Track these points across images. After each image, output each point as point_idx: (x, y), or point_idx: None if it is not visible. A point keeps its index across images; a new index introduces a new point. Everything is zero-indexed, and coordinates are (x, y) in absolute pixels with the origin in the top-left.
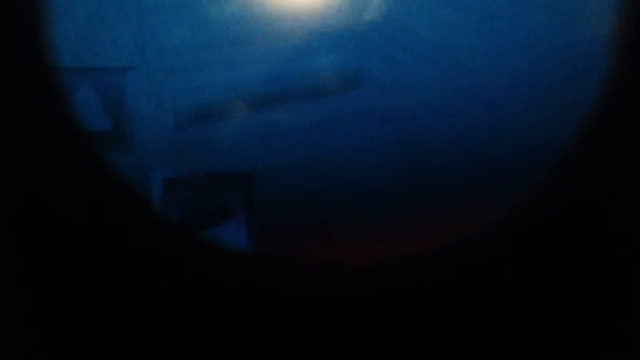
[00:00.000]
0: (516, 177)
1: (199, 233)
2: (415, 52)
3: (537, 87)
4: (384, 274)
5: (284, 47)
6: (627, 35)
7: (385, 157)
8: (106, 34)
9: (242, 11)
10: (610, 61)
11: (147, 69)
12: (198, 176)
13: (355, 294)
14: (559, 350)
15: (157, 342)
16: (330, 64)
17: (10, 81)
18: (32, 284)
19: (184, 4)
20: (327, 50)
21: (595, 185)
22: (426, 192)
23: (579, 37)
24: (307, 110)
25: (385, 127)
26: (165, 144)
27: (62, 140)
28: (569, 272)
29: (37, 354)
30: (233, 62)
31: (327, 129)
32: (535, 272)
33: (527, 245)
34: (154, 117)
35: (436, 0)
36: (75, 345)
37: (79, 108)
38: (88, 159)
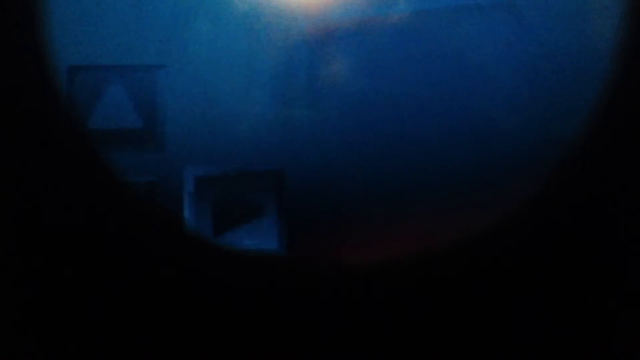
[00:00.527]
0: (517, 175)
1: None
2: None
3: (541, 84)
4: (389, 273)
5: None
6: (629, 33)
7: (389, 156)
8: (135, 32)
9: (264, 5)
10: (614, 58)
11: (178, 66)
12: (229, 174)
13: (363, 293)
14: (559, 350)
15: (165, 343)
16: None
17: (11, 80)
18: (32, 284)
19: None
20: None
21: (596, 184)
22: (429, 190)
23: (583, 34)
24: (331, 106)
25: (390, 125)
26: (197, 142)
27: (62, 140)
28: (569, 271)
29: (36, 354)
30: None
31: (342, 127)
32: (535, 272)
33: (527, 245)
34: (185, 114)
35: None
36: (78, 346)
37: (110, 106)
38: (88, 159)
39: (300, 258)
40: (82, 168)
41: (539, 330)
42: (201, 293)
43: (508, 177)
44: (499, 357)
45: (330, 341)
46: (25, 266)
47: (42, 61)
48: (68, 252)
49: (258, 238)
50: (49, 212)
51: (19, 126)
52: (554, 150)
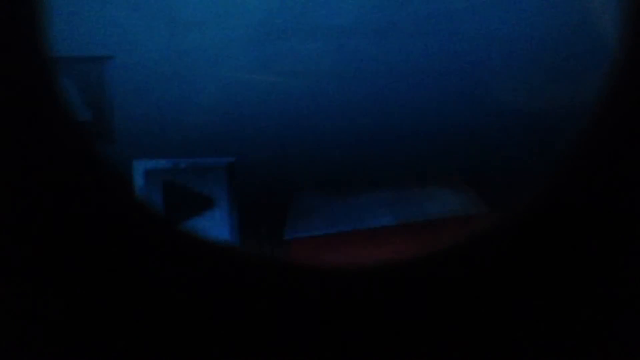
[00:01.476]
0: (516, 175)
1: (181, 223)
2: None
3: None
4: (381, 273)
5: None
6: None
7: (378, 144)
8: (83, 23)
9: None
10: (615, 52)
11: (127, 57)
12: (179, 167)
13: (353, 293)
14: (559, 349)
15: (142, 337)
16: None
17: (3, 72)
18: (23, 277)
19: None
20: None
21: (596, 183)
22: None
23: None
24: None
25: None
26: (147, 134)
27: (52, 131)
28: (568, 271)
29: (33, 350)
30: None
31: (315, 115)
32: (534, 271)
33: (527, 244)
34: (134, 106)
35: None
36: (68, 340)
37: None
38: (78, 150)
39: (294, 259)
40: (72, 159)
41: (537, 331)
42: (193, 291)
43: (507, 177)
44: (498, 357)
45: (326, 342)
46: (15, 258)
47: (32, 53)
48: (57, 243)
49: (210, 229)
50: (38, 204)
51: (8, 120)
52: (553, 147)
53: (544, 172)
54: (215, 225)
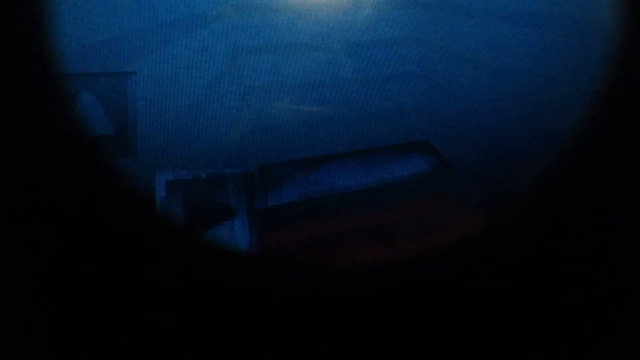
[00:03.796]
0: (515, 174)
1: (203, 233)
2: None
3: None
4: (384, 272)
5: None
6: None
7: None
8: (107, 39)
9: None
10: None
11: (149, 72)
12: (200, 178)
13: (354, 292)
14: (558, 349)
15: (157, 340)
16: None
17: (17, 86)
18: (39, 284)
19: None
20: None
21: (594, 183)
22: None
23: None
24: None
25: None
26: (168, 147)
27: (69, 144)
28: (566, 270)
29: (36, 351)
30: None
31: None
32: (533, 271)
33: (526, 243)
34: (156, 120)
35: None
36: (77, 343)
37: (82, 113)
38: (94, 162)
39: (274, 258)
40: (89, 171)
41: (535, 330)
42: (196, 291)
43: (506, 176)
44: (496, 357)
45: (322, 338)
46: (29, 266)
47: (47, 66)
48: (72, 252)
49: (230, 238)
50: (55, 213)
51: (26, 127)
52: (551, 146)
53: (541, 170)
54: (236, 235)
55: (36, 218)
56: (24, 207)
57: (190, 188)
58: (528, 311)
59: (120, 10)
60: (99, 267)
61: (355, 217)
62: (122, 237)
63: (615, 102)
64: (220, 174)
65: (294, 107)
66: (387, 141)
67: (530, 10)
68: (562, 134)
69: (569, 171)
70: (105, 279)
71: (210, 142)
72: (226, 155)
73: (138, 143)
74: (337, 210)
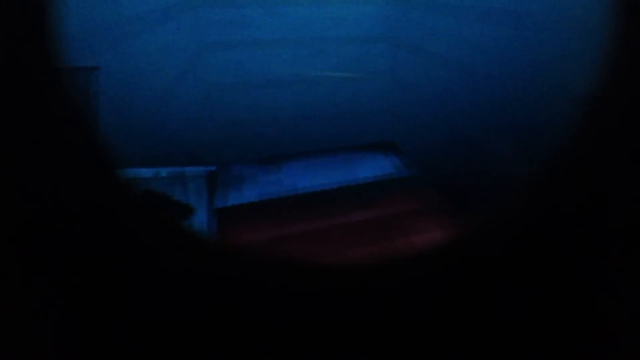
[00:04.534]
0: (514, 174)
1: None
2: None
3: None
4: (374, 270)
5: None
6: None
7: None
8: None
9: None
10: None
11: (113, 68)
12: (161, 175)
13: (309, 290)
14: (556, 348)
15: (148, 333)
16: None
17: (18, 81)
18: (43, 280)
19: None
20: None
21: (593, 183)
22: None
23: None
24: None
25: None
26: (130, 143)
27: (69, 139)
28: (565, 270)
29: (39, 350)
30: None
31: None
32: (532, 270)
33: (524, 243)
34: (118, 116)
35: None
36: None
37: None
38: (94, 156)
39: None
40: (88, 165)
41: (533, 330)
42: (192, 288)
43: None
44: (494, 356)
45: (319, 337)
46: (29, 262)
47: (47, 61)
48: (69, 245)
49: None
50: (54, 208)
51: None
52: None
53: (529, 174)
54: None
55: (37, 213)
56: (26, 203)
57: (150, 185)
58: (526, 311)
59: (84, 4)
60: (95, 261)
61: (316, 218)
62: (117, 229)
63: (594, 102)
64: (181, 171)
65: (258, 105)
66: (351, 141)
67: (506, 8)
68: (535, 136)
69: (537, 176)
70: (100, 273)
71: (172, 140)
72: (188, 153)
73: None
74: (299, 210)
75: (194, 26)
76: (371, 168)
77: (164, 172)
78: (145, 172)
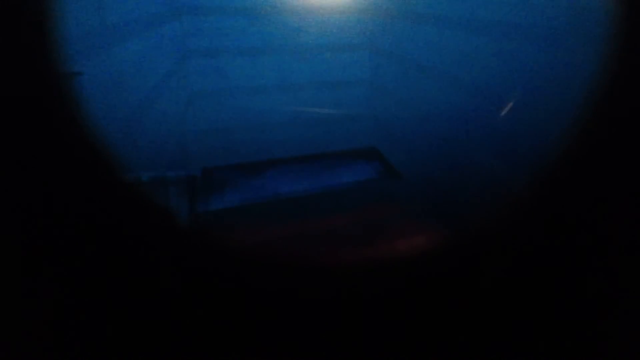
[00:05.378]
0: (513, 175)
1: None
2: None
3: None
4: (373, 271)
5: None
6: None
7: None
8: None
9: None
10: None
11: (96, 74)
12: (142, 179)
13: (351, 292)
14: (556, 348)
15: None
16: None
17: (23, 85)
18: (33, 282)
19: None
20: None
21: (592, 184)
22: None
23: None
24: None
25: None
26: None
27: (72, 141)
28: (564, 271)
29: (39, 352)
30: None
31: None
32: (531, 270)
33: (523, 244)
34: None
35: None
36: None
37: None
38: (96, 158)
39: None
40: (90, 167)
41: (532, 329)
42: (193, 287)
43: (504, 177)
44: (493, 356)
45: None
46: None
47: (50, 66)
48: (69, 245)
49: None
50: (57, 209)
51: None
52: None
53: (520, 182)
54: None
55: (39, 213)
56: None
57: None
58: (525, 311)
59: (67, 11)
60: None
61: (298, 223)
62: (117, 230)
63: (584, 110)
64: (162, 176)
65: (241, 111)
66: (334, 147)
67: (488, 18)
68: (516, 144)
69: (519, 182)
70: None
71: (154, 144)
72: (169, 157)
73: None
74: (281, 216)
75: (178, 34)
76: (354, 173)
77: (145, 176)
78: (127, 176)
